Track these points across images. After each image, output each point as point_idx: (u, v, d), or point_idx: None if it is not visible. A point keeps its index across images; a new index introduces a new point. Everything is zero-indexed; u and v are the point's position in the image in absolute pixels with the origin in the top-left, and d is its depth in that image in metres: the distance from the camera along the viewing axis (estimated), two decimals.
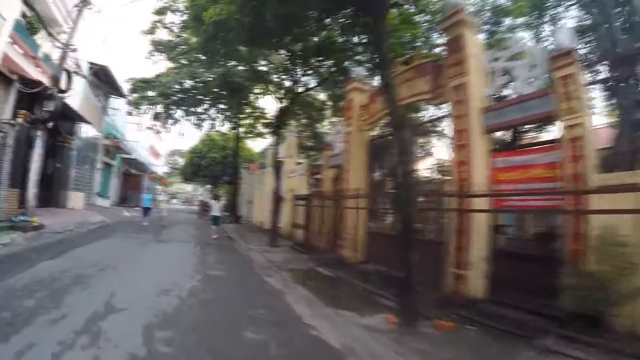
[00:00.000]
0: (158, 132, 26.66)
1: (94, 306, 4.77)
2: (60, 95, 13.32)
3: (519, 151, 7.26)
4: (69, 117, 17.68)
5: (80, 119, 18.45)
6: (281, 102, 14.54)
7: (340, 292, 7.15)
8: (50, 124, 13.12)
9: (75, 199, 19.48)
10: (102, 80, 22.30)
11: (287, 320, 5.15)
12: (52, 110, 12.59)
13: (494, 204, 6.71)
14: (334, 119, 25.09)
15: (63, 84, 13.46)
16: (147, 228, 15.67)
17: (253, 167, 29.64)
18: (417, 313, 5.32)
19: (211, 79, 20.76)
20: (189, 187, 75.35)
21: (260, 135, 28.60)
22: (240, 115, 26.08)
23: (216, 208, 16.00)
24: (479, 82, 7.30)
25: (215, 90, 23.10)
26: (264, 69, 16.76)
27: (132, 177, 34.28)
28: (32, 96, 12.77)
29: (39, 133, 12.59)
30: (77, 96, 19.73)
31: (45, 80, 13.16)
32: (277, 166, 14.60)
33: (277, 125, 14.61)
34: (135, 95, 21.44)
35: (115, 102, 26.28)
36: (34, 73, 13.90)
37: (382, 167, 11.68)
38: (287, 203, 16.76)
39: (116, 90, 24.55)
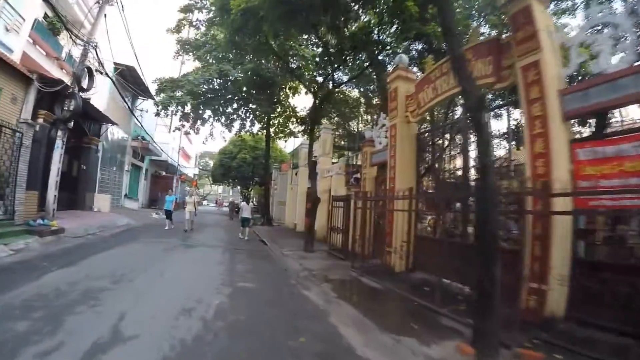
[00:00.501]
0: (187, 132, 26.31)
1: (97, 332, 3.86)
2: (82, 94, 12.89)
3: (608, 140, 6.03)
4: (94, 118, 17.37)
5: (105, 119, 18.08)
6: (315, 97, 13.57)
7: (393, 309, 6.08)
8: (71, 124, 12.65)
9: (102, 201, 19.17)
10: (129, 80, 21.99)
11: (337, 352, 4.11)
12: (73, 109, 12.08)
13: (579, 203, 5.54)
14: (368, 116, 24.25)
15: (85, 83, 13.01)
16: (173, 232, 15.01)
17: (285, 167, 28.90)
18: (497, 341, 4.26)
19: (240, 76, 20.16)
20: (219, 189, 75.84)
21: (291, 134, 27.88)
22: (271, 115, 25.42)
23: (246, 210, 15.54)
24: (554, 60, 6.09)
25: (244, 88, 22.56)
26: (295, 65, 15.95)
27: (162, 179, 34.23)
28: (53, 96, 12.29)
29: (59, 133, 12.14)
30: (102, 97, 19.53)
31: (67, 79, 12.70)
32: (312, 165, 13.64)
33: (311, 121, 13.60)
34: (162, 95, 21.02)
35: (144, 104, 26.09)
36: (56, 72, 13.54)
37: (431, 163, 10.55)
38: (323, 204, 15.84)
39: (144, 92, 24.28)
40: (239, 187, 44.55)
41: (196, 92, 20.55)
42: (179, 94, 20.50)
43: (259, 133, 28.67)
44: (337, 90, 18.29)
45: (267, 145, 25.50)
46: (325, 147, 16.37)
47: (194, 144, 51.36)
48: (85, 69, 13.15)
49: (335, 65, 13.78)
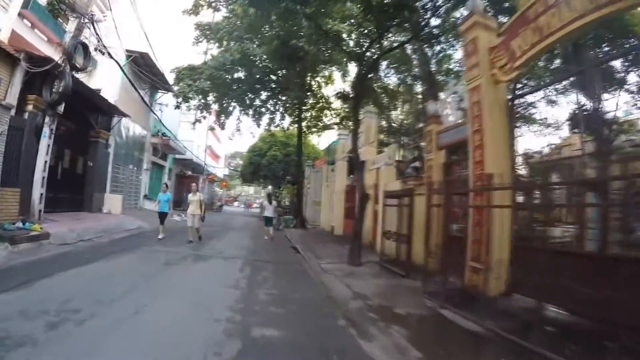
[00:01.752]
0: (212, 128, 24.05)
1: None
2: (76, 74, 10.71)
3: None
4: (101, 109, 15.30)
5: (114, 110, 16.00)
6: (360, 63, 10.58)
7: None
8: (61, 108, 10.42)
9: (113, 202, 17.03)
10: (144, 70, 19.83)
11: None
12: (62, 90, 9.82)
13: None
14: (407, 106, 21.19)
15: (79, 62, 10.81)
16: (181, 240, 12.58)
17: (319, 163, 26.19)
18: None
19: (263, 52, 17.58)
20: (251, 190, 74.03)
21: (325, 128, 25.19)
22: (303, 106, 22.79)
23: (269, 209, 14.67)
24: None
25: (268, 67, 19.98)
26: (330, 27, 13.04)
27: (187, 179, 32.20)
28: (44, 79, 10.22)
29: (47, 120, 9.89)
30: (113, 87, 17.54)
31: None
32: (356, 156, 10.78)
33: (356, 96, 10.68)
34: (181, 84, 18.73)
35: (164, 98, 23.96)
36: (51, 54, 11.45)
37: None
38: (369, 201, 13.04)
39: (162, 83, 22.15)
40: (270, 187, 42.30)
41: (217, 77, 18.13)
42: (199, 82, 18.14)
43: (290, 127, 26.11)
44: (373, 77, 15.44)
45: (299, 138, 22.81)
46: (369, 135, 13.52)
47: (222, 143, 49.53)
48: (80, 45, 10.90)
49: (379, 31, 10.89)
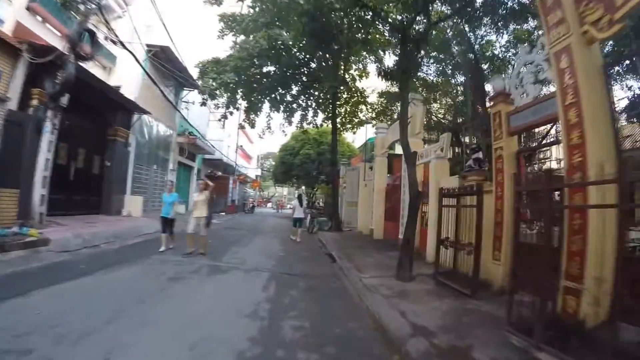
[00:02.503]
0: (241, 126, 22.81)
1: None
2: (81, 63, 9.59)
3: None
4: (119, 105, 14.32)
5: (134, 107, 15.00)
6: (404, 36, 8.80)
7: None
8: (65, 100, 9.27)
9: (133, 204, 15.99)
10: (166, 65, 18.76)
11: None
12: (64, 79, 8.68)
13: None
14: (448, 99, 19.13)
15: (86, 49, 9.70)
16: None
17: (355, 161, 24.53)
18: None
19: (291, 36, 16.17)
20: (284, 191, 73.04)
21: (361, 124, 23.52)
22: (337, 101, 21.18)
23: (298, 210, 14.24)
24: None
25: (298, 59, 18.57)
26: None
27: (217, 179, 31.26)
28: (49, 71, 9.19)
29: (49, 113, 8.75)
30: (133, 84, 16.60)
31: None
32: (406, 145, 8.90)
33: (402, 73, 8.85)
34: (205, 78, 17.54)
35: (191, 96, 22.92)
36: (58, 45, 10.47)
37: None
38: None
39: (186, 79, 21.09)
40: (303, 188, 40.91)
41: (243, 69, 16.83)
42: (223, 76, 16.87)
43: (324, 124, 24.57)
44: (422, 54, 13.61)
45: (333, 135, 21.14)
46: (415, 126, 11.72)
47: (254, 143, 48.65)
48: (86, 32, 9.76)
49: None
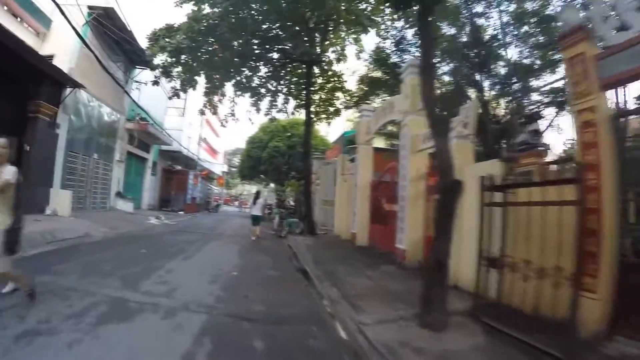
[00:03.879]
0: (202, 112, 19.46)
1: None
2: None
3: None
4: (46, 75, 11.16)
5: (64, 78, 11.80)
6: None
7: None
8: None
9: (61, 200, 12.58)
10: (111, 34, 15.38)
11: None
12: None
13: None
14: None
15: None
16: (122, 262, 8.10)
17: (330, 154, 21.64)
18: None
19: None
20: (253, 188, 69.04)
21: (336, 113, 20.65)
22: (311, 87, 18.14)
23: (257, 208, 13.47)
24: None
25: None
26: None
27: (177, 174, 27.68)
28: None
29: None
30: (71, 53, 13.33)
31: None
32: (430, 106, 5.68)
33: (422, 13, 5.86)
34: (155, 47, 14.28)
35: (146, 77, 19.48)
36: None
37: None
38: (416, 200, 8.55)
39: (138, 56, 17.69)
40: (272, 185, 37.68)
41: (199, 33, 13.68)
42: (177, 40, 13.62)
43: (296, 112, 21.56)
44: None
45: (307, 118, 17.84)
46: (416, 99, 8.93)
47: (220, 137, 45.10)
48: None
49: None
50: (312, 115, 19.51)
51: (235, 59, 16.06)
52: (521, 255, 4.65)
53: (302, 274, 7.53)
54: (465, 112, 7.38)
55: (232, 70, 16.89)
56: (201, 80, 17.15)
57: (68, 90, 13.33)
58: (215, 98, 19.19)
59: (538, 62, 13.03)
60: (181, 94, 18.01)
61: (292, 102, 20.64)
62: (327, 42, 17.73)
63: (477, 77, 13.86)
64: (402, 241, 8.45)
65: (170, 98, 16.44)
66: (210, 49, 15.20)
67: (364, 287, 6.33)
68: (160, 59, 15.52)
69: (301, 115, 21.56)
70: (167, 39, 13.93)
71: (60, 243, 8.61)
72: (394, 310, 4.99)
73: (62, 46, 13.54)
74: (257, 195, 14.31)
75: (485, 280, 4.89)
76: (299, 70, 19.30)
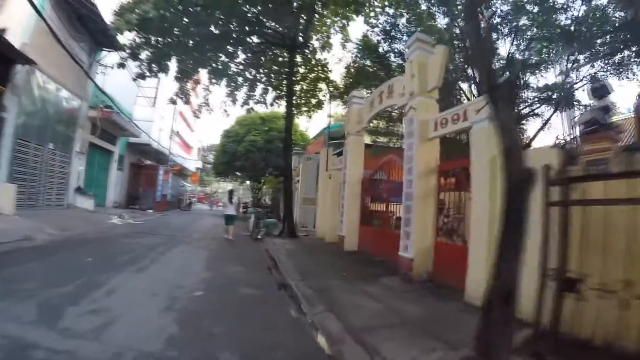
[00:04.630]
0: (173, 101, 17.48)
1: None
2: None
3: None
4: None
5: (11, 51, 9.96)
6: None
7: None
8: None
9: (3, 195, 10.58)
10: (74, 7, 13.44)
11: None
12: None
13: None
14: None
15: None
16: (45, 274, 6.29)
17: (313, 148, 20.01)
18: None
19: None
20: (229, 186, 66.57)
21: (318, 106, 19.04)
22: (293, 76, 16.41)
23: (231, 207, 12.77)
24: None
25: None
26: None
27: (146, 169, 25.45)
28: None
29: None
30: (19, 25, 11.38)
31: None
32: (487, 69, 4.02)
33: None
34: (120, 21, 12.36)
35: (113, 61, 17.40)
36: None
37: None
38: (426, 199, 7.03)
39: (103, 35, 15.67)
40: (248, 182, 35.74)
41: (169, 4, 11.89)
42: (142, 10, 11.75)
43: (275, 104, 19.77)
44: None
45: (288, 106, 16.03)
46: (427, 78, 7.38)
47: (195, 132, 42.84)
48: None
49: None
50: (293, 107, 17.84)
51: (211, 42, 14.27)
52: (599, 272, 3.19)
53: (286, 291, 5.87)
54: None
55: (206, 54, 15.07)
56: (173, 66, 15.37)
57: (20, 69, 11.34)
58: (188, 85, 17.38)
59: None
60: (151, 80, 16.20)
61: (272, 94, 18.97)
62: (311, 28, 16.06)
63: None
64: (408, 248, 6.90)
65: (134, 80, 14.42)
66: (182, 27, 13.40)
67: (371, 311, 4.76)
68: (127, 38, 13.64)
69: (280, 107, 19.95)
70: (134, 12, 12.07)
71: None
72: (426, 354, 3.43)
73: (17, 19, 11.60)
74: (231, 193, 13.59)
75: (557, 308, 3.38)
76: (280, 59, 17.72)
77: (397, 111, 13.60)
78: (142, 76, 14.13)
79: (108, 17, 13.87)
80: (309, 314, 4.65)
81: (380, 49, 16.10)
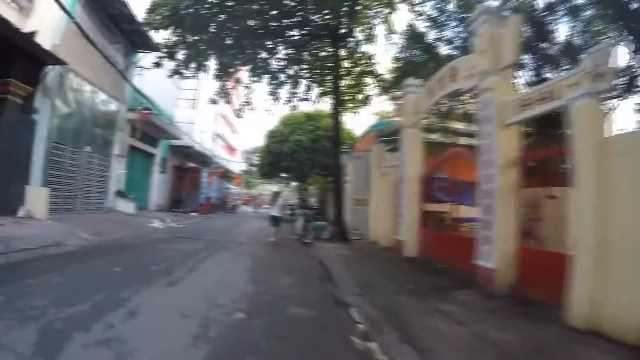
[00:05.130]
0: (213, 101, 17.02)
1: None
2: None
3: None
4: (20, 50, 9.24)
5: (43, 54, 9.80)
6: None
7: None
8: None
9: (36, 199, 10.39)
10: (106, 9, 13.28)
11: None
12: None
13: None
14: None
15: None
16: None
17: (362, 145, 18.93)
18: None
19: None
20: (275, 188, 66.46)
21: (365, 102, 18.01)
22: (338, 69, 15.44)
23: (276, 208, 12.50)
24: None
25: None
26: None
27: (189, 172, 25.36)
28: None
29: None
30: (49, 27, 11.16)
31: None
32: None
33: None
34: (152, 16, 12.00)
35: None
36: None
37: None
38: (508, 197, 5.88)
39: (139, 36, 15.58)
40: (294, 184, 35.13)
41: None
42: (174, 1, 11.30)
43: (320, 101, 18.91)
44: None
45: (336, 98, 15.01)
46: (501, 52, 6.20)
47: (239, 134, 42.91)
48: None
49: None
50: (339, 102, 16.89)
51: (249, 37, 13.65)
52: None
53: (345, 311, 4.93)
54: (596, 58, 4.65)
55: (245, 50, 14.46)
56: (213, 65, 14.93)
57: (52, 71, 11.20)
58: (229, 84, 16.89)
59: None
60: (192, 82, 15.85)
61: (316, 90, 18.17)
62: (354, 18, 15.03)
63: None
64: (489, 256, 5.78)
65: (169, 77, 14.09)
66: (218, 23, 12.86)
67: (456, 341, 3.74)
68: (162, 36, 13.33)
69: (325, 105, 19.25)
70: (166, 8, 11.65)
71: (10, 256, 6.31)
72: None
73: (47, 21, 11.49)
74: (276, 195, 13.58)
75: None
76: (322, 53, 16.88)
77: (448, 104, 12.29)
78: (177, 72, 13.72)
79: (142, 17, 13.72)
80: (380, 343, 3.68)
81: (427, 39, 14.90)
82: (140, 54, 17.34)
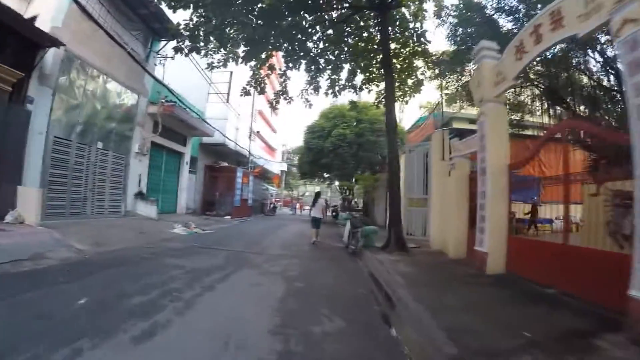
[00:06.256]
0: (246, 92, 14.98)
1: None
2: None
3: None
4: (8, 29, 7.93)
5: (37, 35, 8.33)
6: None
7: None
8: None
9: (28, 200, 8.78)
10: None
11: None
12: None
13: None
14: None
15: None
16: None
17: (415, 136, 16.49)
18: None
19: None
20: (317, 189, 64.37)
21: (417, 87, 15.59)
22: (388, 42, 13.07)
23: (317, 209, 12.44)
24: None
25: None
26: None
27: (222, 172, 23.52)
28: None
29: None
30: (49, 8, 9.73)
31: None
32: None
33: None
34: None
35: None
36: None
37: None
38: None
39: (160, 21, 14.00)
40: (337, 183, 32.85)
41: None
42: None
43: (365, 88, 16.61)
44: None
45: (388, 77, 12.43)
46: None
47: (278, 133, 41.23)
48: None
49: None
50: (383, 92, 14.47)
51: (281, 16, 11.63)
52: None
53: None
54: None
55: (277, 30, 12.36)
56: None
57: (49, 53, 9.62)
58: (262, 72, 14.91)
59: None
60: (224, 75, 14.04)
61: (360, 77, 16.00)
62: None
63: None
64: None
65: (186, 55, 12.18)
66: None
67: None
68: (183, 18, 11.50)
69: (371, 94, 17.03)
70: None
71: None
72: None
73: (47, 2, 10.04)
74: (318, 195, 13.58)
75: None
76: (365, 34, 14.63)
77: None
78: (196, 49, 11.81)
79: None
80: None
81: (486, 11, 12.45)
82: (162, 42, 15.73)
